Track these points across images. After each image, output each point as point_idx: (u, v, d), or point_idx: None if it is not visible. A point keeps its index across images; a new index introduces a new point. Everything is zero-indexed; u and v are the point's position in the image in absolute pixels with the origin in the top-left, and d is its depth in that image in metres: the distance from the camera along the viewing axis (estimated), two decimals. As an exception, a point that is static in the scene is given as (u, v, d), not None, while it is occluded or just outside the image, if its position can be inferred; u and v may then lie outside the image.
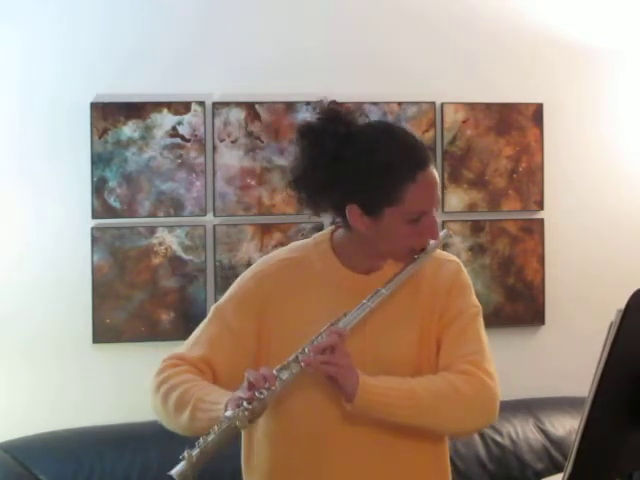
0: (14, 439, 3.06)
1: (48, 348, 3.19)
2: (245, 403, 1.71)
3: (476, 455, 3.27)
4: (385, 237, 1.90)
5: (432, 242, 1.94)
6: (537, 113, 3.55)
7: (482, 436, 3.30)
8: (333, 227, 2.01)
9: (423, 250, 1.93)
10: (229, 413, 1.71)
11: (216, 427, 1.72)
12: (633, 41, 3.62)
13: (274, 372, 1.77)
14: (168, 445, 3.07)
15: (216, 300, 3.25)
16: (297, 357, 1.80)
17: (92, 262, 3.21)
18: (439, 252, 2.02)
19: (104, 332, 3.22)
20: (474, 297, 2.00)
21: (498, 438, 3.30)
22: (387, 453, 1.92)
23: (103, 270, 3.22)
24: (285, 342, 1.88)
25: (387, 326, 1.93)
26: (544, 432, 3.35)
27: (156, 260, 3.26)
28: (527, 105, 3.55)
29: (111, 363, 3.24)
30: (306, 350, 1.80)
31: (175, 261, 3.27)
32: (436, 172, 1.91)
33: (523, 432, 3.33)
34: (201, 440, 1.71)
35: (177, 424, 1.89)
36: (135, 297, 3.24)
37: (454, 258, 2.04)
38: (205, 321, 2.01)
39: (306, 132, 1.93)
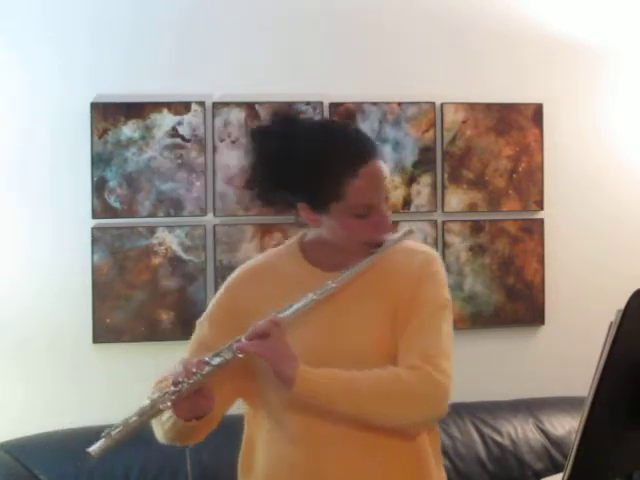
0: (14, 439, 3.06)
1: (48, 348, 3.19)
2: (172, 387, 1.78)
3: (476, 455, 3.27)
4: (338, 233, 1.92)
5: (390, 238, 1.95)
6: (537, 113, 3.55)
7: (482, 436, 3.30)
8: (302, 233, 2.04)
9: (379, 246, 1.94)
10: (155, 395, 1.78)
11: (140, 409, 1.77)
12: (633, 41, 3.62)
13: (205, 359, 1.81)
14: (168, 445, 3.10)
15: (216, 300, 3.29)
16: (232, 344, 1.83)
17: (92, 262, 3.21)
18: (412, 244, 2.04)
19: (104, 332, 3.22)
20: (445, 290, 1.98)
21: (498, 438, 3.30)
22: (365, 452, 1.92)
23: (103, 270, 3.22)
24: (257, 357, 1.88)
25: (358, 319, 1.94)
26: (544, 432, 3.35)
27: (156, 260, 3.26)
28: (527, 105, 3.55)
29: (111, 363, 3.24)
30: (242, 338, 1.83)
31: (175, 261, 3.27)
32: (384, 166, 1.92)
33: (523, 432, 3.33)
34: (124, 419, 1.76)
35: (159, 433, 1.93)
36: (135, 297, 3.24)
37: (428, 249, 2.04)
38: (192, 336, 2.06)
39: (255, 133, 1.99)
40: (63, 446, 3.06)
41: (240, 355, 1.82)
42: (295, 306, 1.87)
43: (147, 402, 1.78)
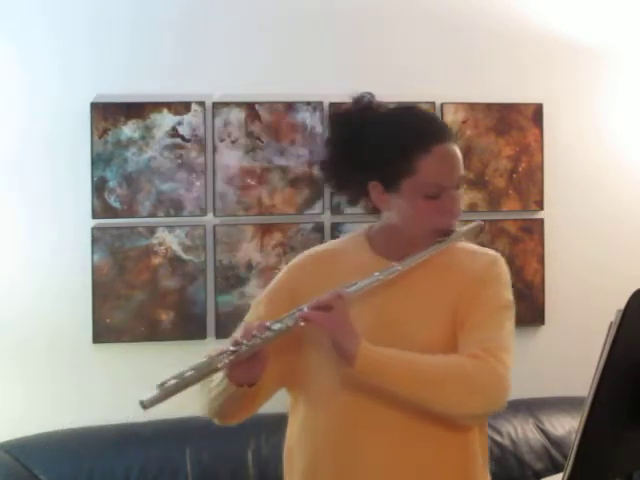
0: (14, 439, 3.06)
1: (48, 348, 3.19)
2: (231, 346, 1.77)
3: (476, 455, 3.27)
4: (407, 215, 1.91)
5: (459, 228, 1.95)
6: (537, 113, 3.55)
7: (482, 436, 3.30)
8: (370, 224, 2.04)
9: (448, 234, 1.93)
10: (213, 353, 1.78)
11: (198, 364, 1.76)
12: (632, 41, 3.62)
13: (267, 324, 1.80)
14: (168, 445, 3.11)
15: (216, 300, 3.29)
16: (294, 312, 1.82)
17: (92, 262, 3.21)
18: (478, 247, 2.03)
19: (104, 332, 3.22)
20: (509, 291, 1.96)
21: (498, 438, 3.30)
22: (414, 441, 1.89)
23: (103, 270, 3.22)
24: (318, 329, 1.86)
25: (419, 309, 1.92)
26: (544, 432, 3.35)
27: (156, 260, 3.26)
28: (527, 105, 3.55)
29: (111, 363, 3.24)
30: (304, 307, 1.83)
31: (175, 261, 3.27)
32: (458, 151, 1.93)
33: (523, 432, 3.33)
34: (179, 372, 1.74)
35: (203, 401, 1.92)
36: (135, 297, 3.24)
37: (493, 252, 2.01)
38: (246, 315, 2.05)
39: (335, 117, 2.04)
40: (63, 446, 3.07)
41: (302, 323, 1.81)
42: (360, 283, 1.86)
43: (204, 359, 1.77)
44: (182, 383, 1.73)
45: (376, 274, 1.88)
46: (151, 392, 1.72)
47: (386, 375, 1.81)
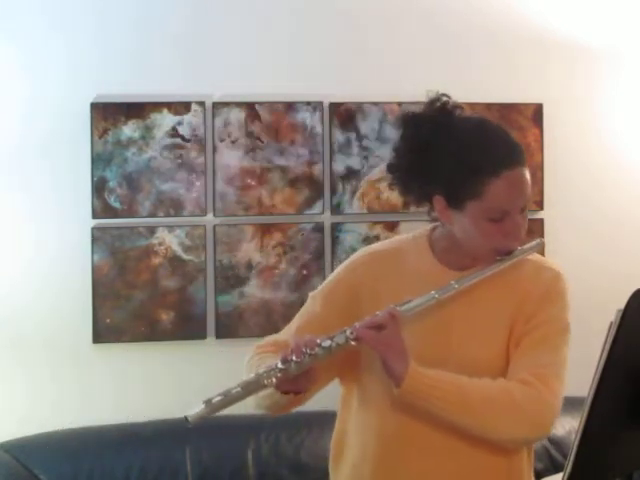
0: (14, 439, 3.06)
1: (48, 348, 3.18)
2: (280, 364, 1.75)
3: (476, 455, 3.27)
4: (468, 233, 1.88)
5: (520, 247, 1.91)
6: (537, 113, 3.55)
7: (482, 436, 3.29)
8: (434, 225, 2.00)
9: (508, 254, 1.89)
10: (261, 370, 1.76)
11: (245, 381, 1.76)
12: (632, 41, 3.62)
13: (317, 340, 1.78)
14: (168, 445, 3.11)
15: (216, 300, 3.29)
16: (345, 330, 1.80)
17: (92, 262, 3.21)
18: (541, 259, 2.01)
19: (104, 332, 3.22)
20: (567, 313, 1.93)
21: (498, 438, 3.29)
22: (458, 463, 1.88)
23: (103, 270, 3.22)
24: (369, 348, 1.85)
25: (475, 327, 1.89)
26: (544, 432, 3.34)
27: (156, 260, 3.26)
28: (527, 105, 3.54)
29: (111, 363, 3.24)
30: (356, 325, 1.80)
31: (175, 261, 3.27)
32: (528, 175, 1.87)
33: (523, 432, 3.33)
34: (227, 389, 1.74)
35: (253, 399, 1.89)
36: (135, 297, 3.24)
37: (556, 267, 1.98)
38: (302, 308, 2.03)
39: (407, 118, 1.95)
40: (63, 446, 3.06)
41: (353, 343, 1.79)
42: (415, 301, 1.83)
43: (252, 375, 1.76)
44: (228, 400, 1.73)
45: (432, 292, 1.84)
46: (197, 407, 1.72)
47: (432, 399, 1.79)
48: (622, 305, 1.56)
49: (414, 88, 3.41)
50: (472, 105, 3.48)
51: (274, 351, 1.92)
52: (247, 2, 3.36)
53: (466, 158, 1.84)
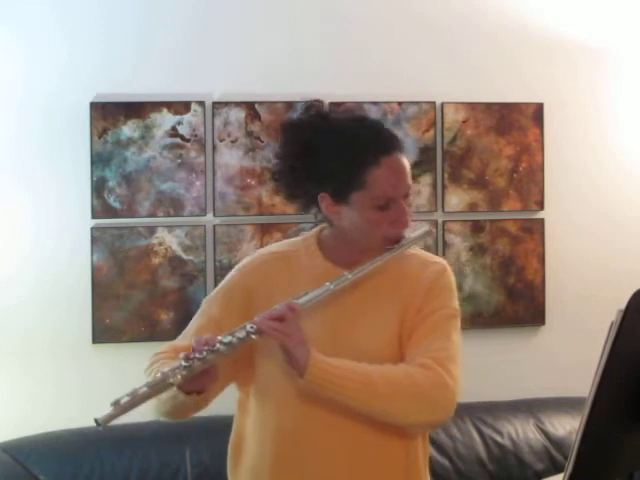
0: (14, 439, 3.06)
1: (48, 348, 3.19)
2: (183, 362, 1.79)
3: (476, 455, 3.27)
4: (357, 225, 1.94)
5: (408, 236, 1.97)
6: (537, 113, 3.55)
7: (482, 436, 3.30)
8: (321, 226, 2.07)
9: (397, 242, 1.96)
10: (166, 369, 1.80)
11: (152, 380, 1.80)
12: (633, 41, 3.62)
13: (218, 337, 1.82)
14: (168, 445, 3.11)
15: (216, 300, 3.28)
16: (245, 325, 1.84)
17: (92, 262, 3.21)
18: (428, 254, 2.07)
19: (104, 332, 3.22)
20: (455, 301, 2.00)
21: (498, 438, 3.30)
22: (359, 448, 1.93)
23: (103, 270, 3.21)
24: (271, 340, 1.88)
25: (369, 320, 1.95)
26: (544, 432, 3.35)
27: (156, 260, 3.26)
28: (527, 105, 3.54)
29: (111, 363, 3.24)
30: (256, 319, 1.85)
31: (175, 261, 3.27)
32: (406, 161, 1.95)
33: (523, 432, 3.33)
34: (133, 389, 1.78)
35: (152, 404, 1.92)
36: (135, 297, 3.24)
37: (441, 260, 2.05)
38: (196, 314, 2.07)
39: (286, 126, 2.04)
40: (63, 446, 3.06)
41: (254, 336, 1.83)
42: (311, 294, 1.89)
43: (158, 375, 1.80)
44: (136, 400, 1.77)
45: (327, 284, 1.90)
46: (106, 410, 1.77)
47: (336, 387, 1.83)
48: (623, 305, 1.56)
49: (414, 88, 3.46)
50: (472, 105, 3.50)
51: (173, 357, 1.94)
52: (247, 2, 3.36)
53: (346, 152, 1.91)
